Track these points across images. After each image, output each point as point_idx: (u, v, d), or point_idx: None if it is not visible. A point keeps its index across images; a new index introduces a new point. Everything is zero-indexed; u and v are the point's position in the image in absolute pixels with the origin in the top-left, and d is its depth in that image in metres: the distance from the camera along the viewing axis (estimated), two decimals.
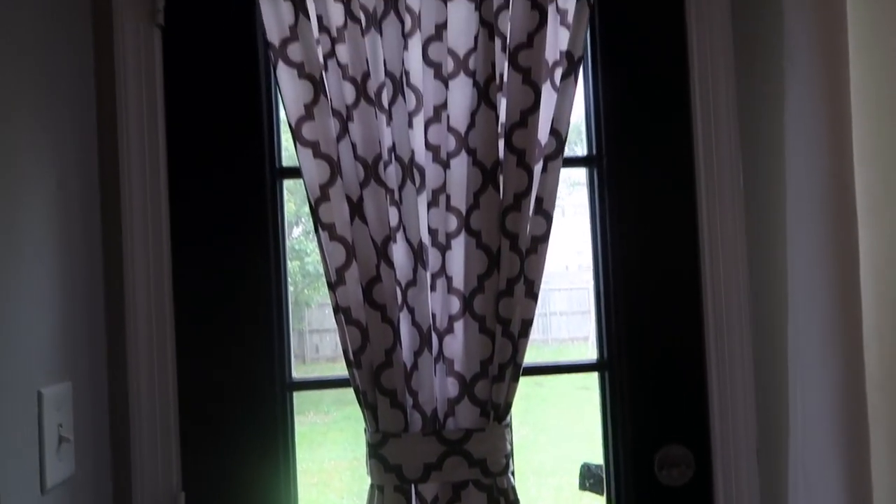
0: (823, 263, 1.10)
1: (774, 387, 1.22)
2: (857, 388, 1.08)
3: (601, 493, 1.25)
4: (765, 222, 1.24)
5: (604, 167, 1.23)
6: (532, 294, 1.11)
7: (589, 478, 1.26)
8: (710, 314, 1.22)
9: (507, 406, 1.10)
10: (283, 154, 1.24)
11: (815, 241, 1.11)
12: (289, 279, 1.22)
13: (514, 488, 1.10)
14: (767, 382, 1.23)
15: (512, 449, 1.11)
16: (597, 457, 1.26)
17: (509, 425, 1.11)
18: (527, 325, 1.10)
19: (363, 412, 1.10)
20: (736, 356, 1.22)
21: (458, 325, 1.11)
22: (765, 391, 1.23)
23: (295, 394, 1.22)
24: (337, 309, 1.10)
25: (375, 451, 1.08)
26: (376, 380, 1.08)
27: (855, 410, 1.07)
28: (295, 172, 1.19)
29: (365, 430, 1.10)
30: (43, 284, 0.95)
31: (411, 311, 1.10)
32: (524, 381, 1.13)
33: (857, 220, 1.10)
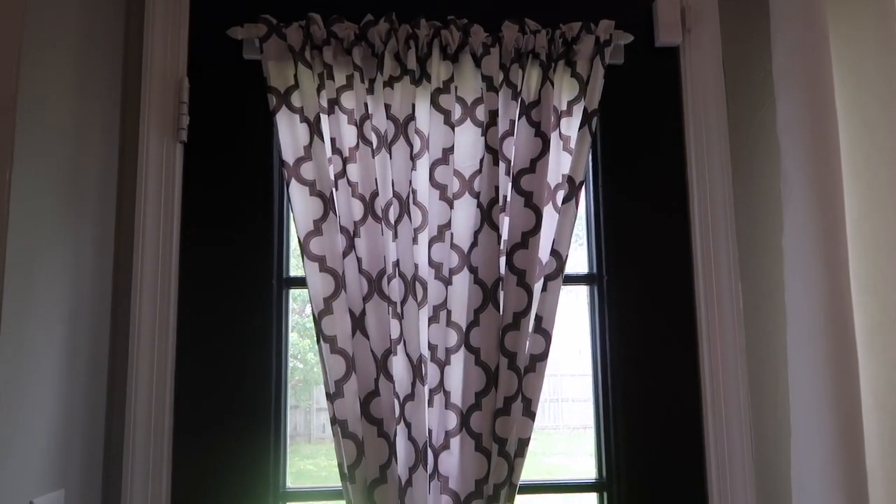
0: (823, 392, 1.09)
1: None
2: None
3: None
4: (765, 343, 1.24)
5: (604, 286, 1.25)
6: (529, 412, 1.11)
7: None
8: (711, 437, 1.21)
9: None
10: (290, 264, 1.27)
11: (815, 363, 1.10)
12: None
13: None
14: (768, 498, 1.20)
15: None
16: None
17: None
18: (523, 444, 1.10)
19: None
20: (738, 482, 1.20)
21: (455, 442, 1.11)
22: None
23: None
24: (334, 420, 1.10)
25: None
26: (370, 496, 1.07)
27: None
28: (301, 282, 1.23)
29: None
30: (44, 394, 0.97)
31: (408, 425, 1.11)
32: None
33: (856, 344, 1.10)
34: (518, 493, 1.11)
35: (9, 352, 0.87)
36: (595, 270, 1.27)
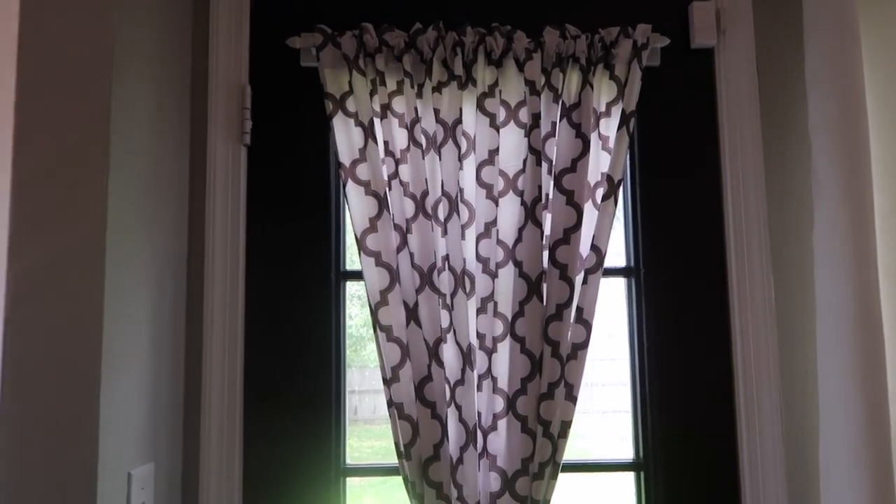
0: (852, 378, 1.15)
1: (806, 489, 1.26)
2: (886, 496, 1.11)
3: None
4: (796, 332, 1.30)
5: (641, 278, 1.32)
6: (571, 397, 1.19)
7: None
8: (743, 421, 1.28)
9: (546, 502, 1.17)
10: (346, 259, 1.37)
11: (844, 354, 1.17)
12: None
13: None
14: (799, 486, 1.27)
15: None
16: None
17: None
18: (566, 426, 1.19)
19: (410, 501, 1.18)
20: (769, 461, 1.27)
21: (502, 424, 1.19)
22: (797, 494, 1.26)
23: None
24: (390, 403, 1.20)
25: None
26: (424, 472, 1.17)
27: None
28: (356, 275, 1.32)
29: None
30: (139, 378, 1.08)
31: (459, 408, 1.20)
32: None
33: (883, 336, 1.16)
34: (561, 471, 1.20)
35: (110, 343, 0.98)
36: (633, 264, 1.34)
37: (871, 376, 1.15)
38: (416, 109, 1.26)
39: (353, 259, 1.35)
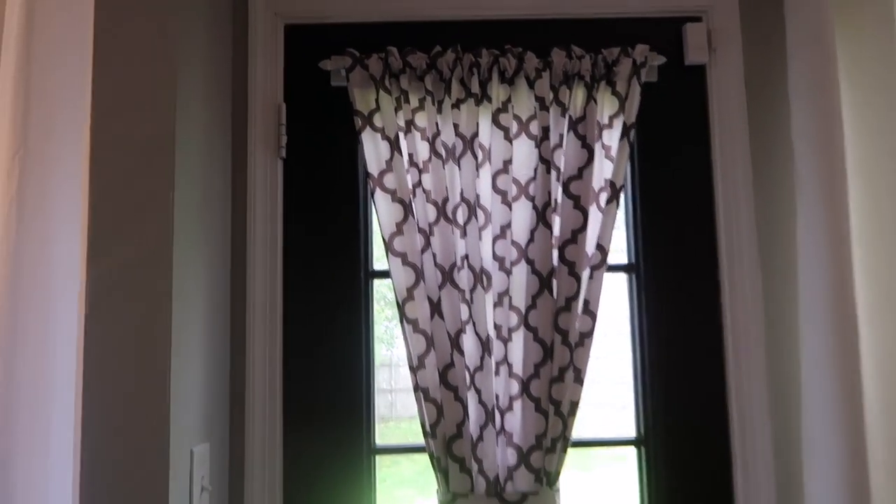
0: (830, 360, 1.29)
1: (790, 467, 1.40)
2: (862, 477, 1.24)
3: None
4: (781, 320, 1.44)
5: (641, 274, 1.47)
6: (579, 380, 1.33)
7: None
8: (734, 400, 1.42)
9: (557, 474, 1.32)
10: (373, 259, 1.51)
11: (823, 339, 1.30)
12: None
13: None
14: (784, 462, 1.41)
15: None
16: None
17: (559, 490, 1.32)
18: (575, 405, 1.33)
19: (436, 475, 1.32)
20: (757, 437, 1.41)
21: (517, 405, 1.34)
22: (782, 470, 1.41)
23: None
24: (417, 388, 1.34)
25: None
26: (448, 448, 1.31)
27: (858, 492, 1.24)
28: (383, 274, 1.46)
29: (437, 490, 1.32)
30: (197, 368, 1.22)
31: (478, 391, 1.34)
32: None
33: (857, 318, 1.29)
34: (570, 446, 1.34)
35: (177, 336, 1.13)
36: (633, 260, 1.49)
37: (846, 361, 1.29)
38: (436, 124, 1.39)
39: (379, 259, 1.49)
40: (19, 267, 0.96)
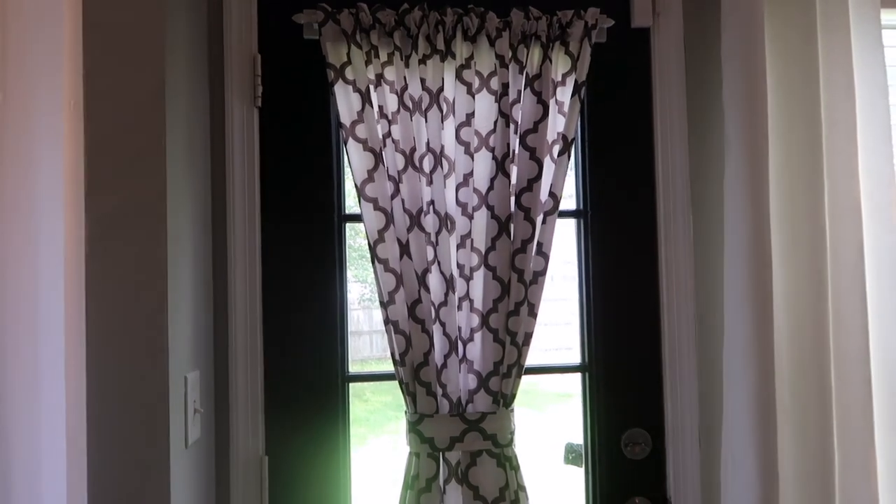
0: (747, 296, 1.49)
1: (712, 389, 1.61)
2: (769, 391, 1.46)
3: (580, 466, 1.64)
4: (709, 263, 1.63)
5: (588, 219, 1.63)
6: (533, 314, 1.49)
7: (571, 453, 1.64)
8: (666, 331, 1.62)
9: (513, 396, 1.49)
10: (346, 204, 1.62)
11: (742, 279, 1.50)
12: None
13: (516, 456, 1.48)
14: (707, 385, 1.62)
15: (515, 428, 1.50)
16: (577, 438, 1.65)
17: (513, 410, 1.50)
18: (529, 336, 1.49)
19: (405, 398, 1.48)
20: (685, 364, 1.61)
21: (478, 336, 1.49)
22: (705, 391, 1.62)
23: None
24: (387, 321, 1.48)
25: (414, 427, 1.46)
26: (416, 375, 1.46)
27: (766, 407, 1.46)
28: (355, 218, 1.58)
29: (405, 411, 1.48)
30: (187, 302, 1.33)
31: (443, 324, 1.49)
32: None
33: (772, 265, 1.49)
34: (524, 373, 1.51)
35: (172, 276, 1.23)
36: (581, 207, 1.64)
37: (760, 293, 1.48)
38: (404, 78, 1.50)
39: (351, 204, 1.61)
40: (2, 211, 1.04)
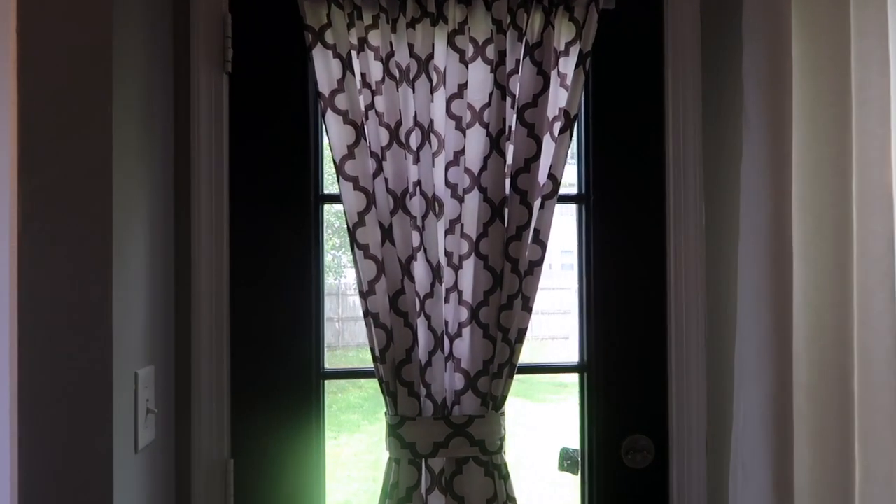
0: (764, 292, 1.35)
1: (722, 392, 1.48)
2: (785, 396, 1.33)
3: (576, 473, 1.50)
4: (721, 255, 1.50)
5: (591, 204, 1.48)
6: (527, 308, 1.35)
7: (566, 459, 1.50)
8: (673, 329, 1.48)
9: (503, 398, 1.35)
10: (324, 183, 1.47)
11: (759, 273, 1.36)
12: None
13: (506, 464, 1.35)
14: (716, 388, 1.49)
15: (505, 433, 1.36)
16: (573, 443, 1.52)
17: (504, 414, 1.36)
18: (522, 333, 1.35)
19: (385, 399, 1.34)
20: (692, 365, 1.48)
21: (466, 331, 1.35)
22: (714, 395, 1.49)
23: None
24: (367, 314, 1.34)
25: (394, 431, 1.32)
26: (397, 373, 1.32)
27: (782, 414, 1.33)
28: (333, 198, 1.43)
29: (385, 413, 1.34)
30: (140, 290, 1.18)
31: (428, 318, 1.35)
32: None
33: (793, 257, 1.36)
34: (517, 372, 1.37)
35: (118, 254, 1.08)
36: (584, 191, 1.50)
37: (779, 291, 1.35)
38: (390, 44, 1.35)
39: (330, 183, 1.46)
40: None
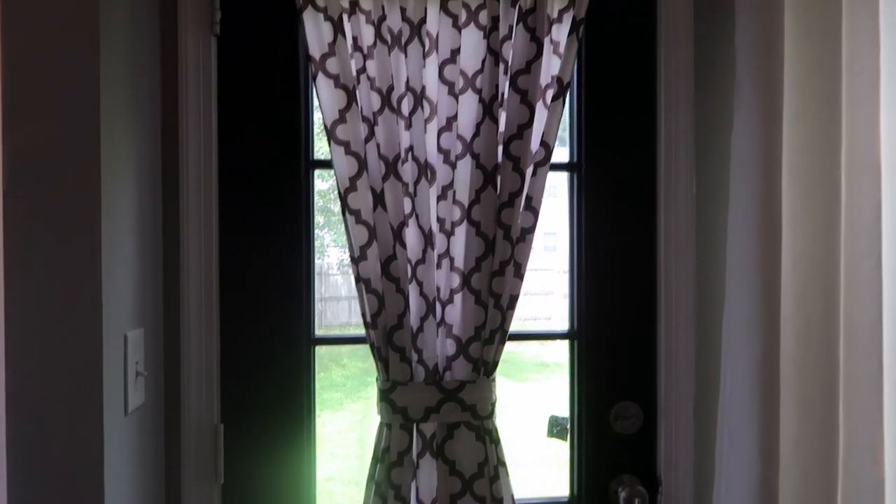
0: (753, 261, 1.36)
1: (709, 358, 1.49)
2: (772, 363, 1.35)
3: (565, 439, 1.52)
4: (711, 224, 1.50)
5: (582, 173, 1.48)
6: (519, 274, 1.36)
7: (556, 426, 1.52)
8: (662, 297, 1.49)
9: (495, 364, 1.36)
10: (315, 148, 1.46)
11: (748, 242, 1.37)
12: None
13: (497, 429, 1.36)
14: (704, 354, 1.50)
15: (496, 398, 1.37)
16: (558, 412, 1.53)
17: (495, 379, 1.36)
18: (514, 299, 1.36)
19: (376, 364, 1.34)
20: (681, 332, 1.49)
21: (458, 297, 1.35)
22: (702, 361, 1.50)
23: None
24: (358, 279, 1.34)
25: (385, 396, 1.32)
26: (389, 338, 1.32)
27: (769, 381, 1.34)
28: (324, 164, 1.42)
29: (377, 378, 1.34)
30: (129, 251, 1.17)
31: (420, 284, 1.34)
32: None
33: (782, 226, 1.37)
34: (508, 339, 1.38)
35: (106, 215, 1.07)
36: (575, 160, 1.50)
37: (768, 252, 1.36)
38: (382, 7, 1.33)
39: (321, 148, 1.45)
40: None
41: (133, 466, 1.18)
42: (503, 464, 1.36)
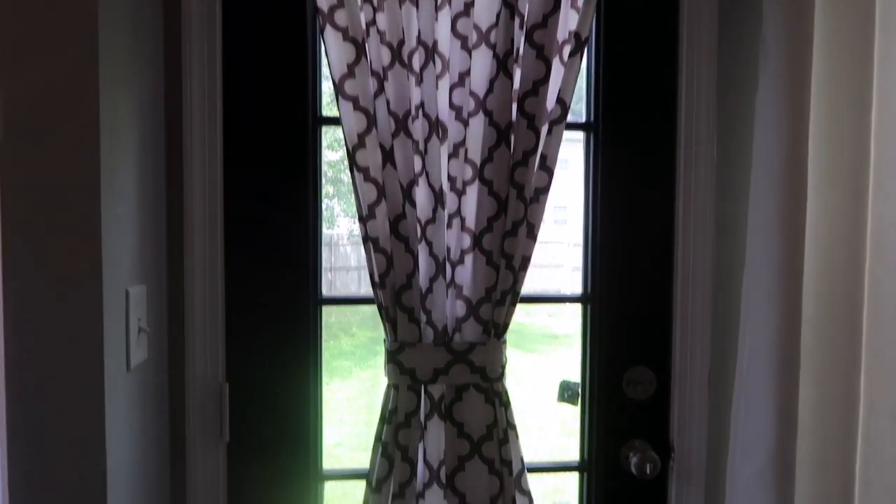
0: (776, 224, 1.32)
1: (726, 323, 1.45)
2: (794, 330, 1.31)
3: (576, 404, 1.49)
4: (732, 187, 1.45)
5: (599, 133, 1.43)
6: (532, 235, 1.32)
7: (566, 391, 1.49)
8: (679, 260, 1.45)
9: (506, 326, 1.33)
10: (322, 104, 1.42)
11: (771, 206, 1.32)
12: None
13: (507, 391, 1.33)
14: (721, 319, 1.46)
15: (506, 361, 1.34)
16: (573, 376, 1.50)
17: (506, 342, 1.34)
18: (526, 260, 1.32)
19: (384, 325, 1.31)
20: (697, 298, 1.45)
21: (469, 258, 1.32)
22: (718, 326, 1.46)
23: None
24: (366, 238, 1.30)
25: (393, 357, 1.30)
26: (397, 299, 1.29)
27: (789, 347, 1.31)
28: (332, 121, 1.38)
29: (384, 339, 1.32)
30: (131, 206, 1.15)
31: (429, 244, 1.31)
32: None
33: (807, 191, 1.32)
34: (519, 301, 1.34)
35: (105, 169, 1.04)
36: (592, 119, 1.45)
37: (791, 226, 1.31)
38: None
39: (328, 103, 1.41)
40: None
41: (136, 422, 1.16)
42: (513, 427, 1.33)
